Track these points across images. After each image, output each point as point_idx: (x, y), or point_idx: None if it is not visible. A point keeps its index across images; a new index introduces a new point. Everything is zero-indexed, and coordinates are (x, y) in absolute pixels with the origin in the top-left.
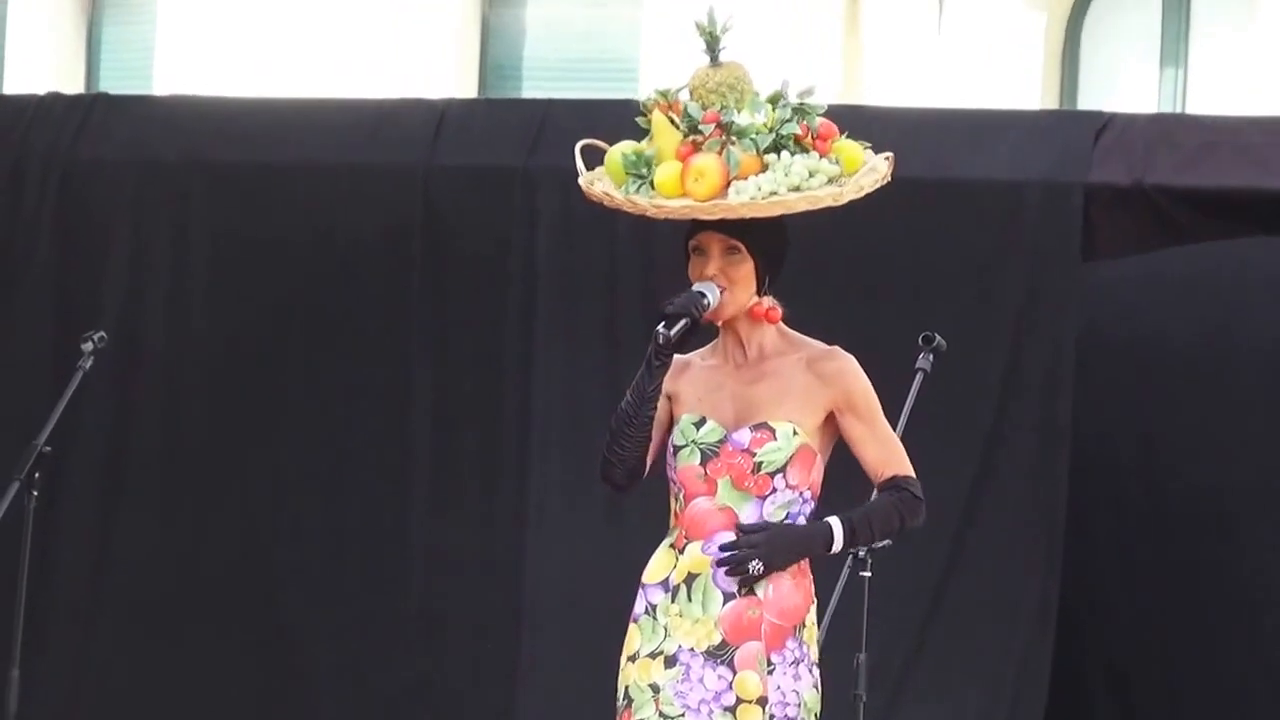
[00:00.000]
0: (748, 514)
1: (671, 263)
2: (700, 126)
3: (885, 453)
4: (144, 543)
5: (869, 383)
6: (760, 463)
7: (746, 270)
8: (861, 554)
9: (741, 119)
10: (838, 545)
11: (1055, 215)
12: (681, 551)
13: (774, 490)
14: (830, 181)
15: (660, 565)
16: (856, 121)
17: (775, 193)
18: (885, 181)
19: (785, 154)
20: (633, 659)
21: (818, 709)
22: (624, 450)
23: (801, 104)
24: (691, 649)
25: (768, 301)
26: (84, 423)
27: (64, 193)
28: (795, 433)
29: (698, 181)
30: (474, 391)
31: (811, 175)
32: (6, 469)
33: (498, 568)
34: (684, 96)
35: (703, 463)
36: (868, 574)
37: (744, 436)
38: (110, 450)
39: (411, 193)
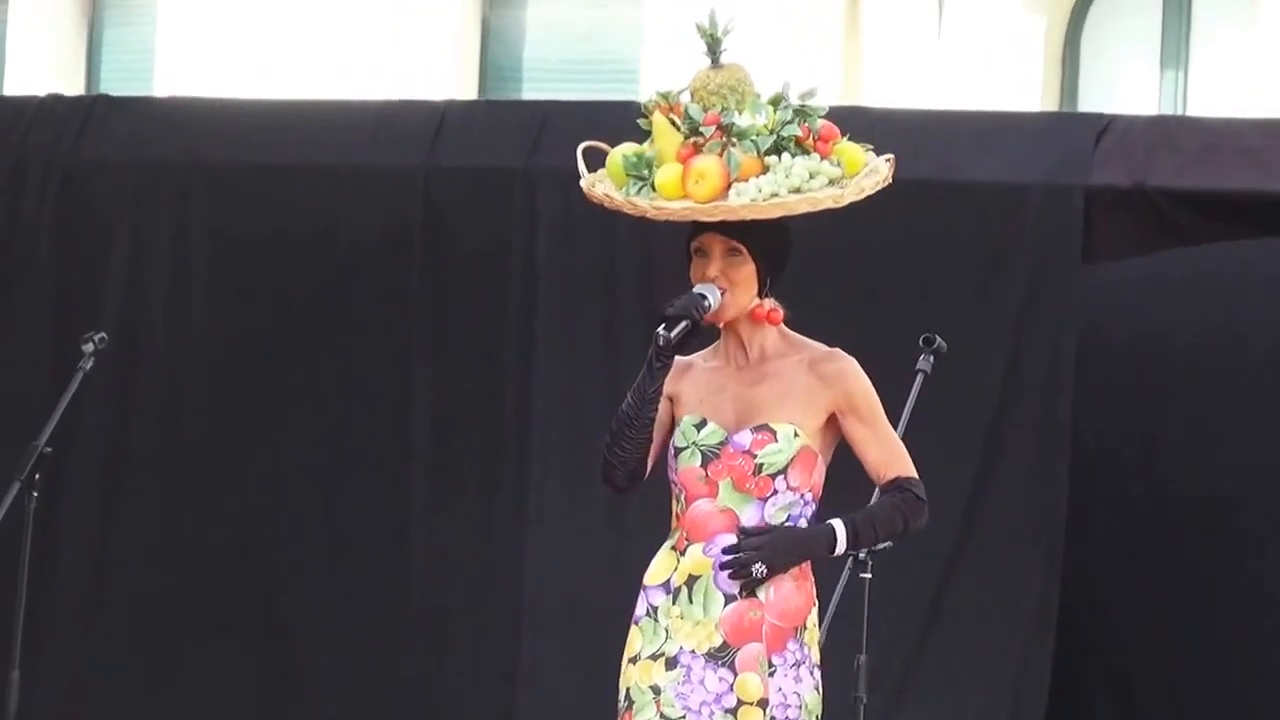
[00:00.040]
0: (749, 516)
1: (671, 264)
2: (701, 128)
3: (887, 454)
4: (144, 543)
5: (870, 384)
6: (761, 464)
7: (748, 272)
8: (862, 556)
9: (742, 121)
10: (840, 547)
11: (1056, 217)
12: (683, 553)
13: (775, 492)
14: (831, 183)
15: (661, 567)
16: (858, 123)
17: (776, 194)
18: (886, 183)
19: (786, 156)
20: (634, 661)
21: (819, 711)
22: (625, 452)
23: (803, 106)
24: (692, 651)
25: (769, 303)
26: (84, 423)
27: (64, 193)
28: (796, 434)
29: (698, 183)
30: (474, 391)
31: (812, 177)
32: (6, 469)
33: (498, 568)
34: (685, 98)
35: (704, 464)
36: (868, 576)
37: (745, 438)
38: (110, 450)
39: (412, 194)
